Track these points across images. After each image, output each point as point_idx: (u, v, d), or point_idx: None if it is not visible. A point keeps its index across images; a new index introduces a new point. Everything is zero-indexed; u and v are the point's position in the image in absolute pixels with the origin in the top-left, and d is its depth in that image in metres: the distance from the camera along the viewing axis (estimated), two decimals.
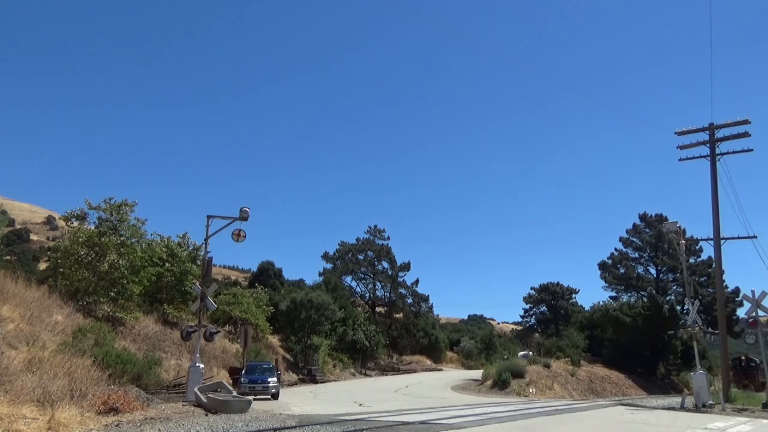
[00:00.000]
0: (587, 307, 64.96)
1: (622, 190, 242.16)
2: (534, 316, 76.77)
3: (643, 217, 58.13)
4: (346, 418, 15.23)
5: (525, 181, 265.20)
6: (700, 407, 21.77)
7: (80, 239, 26.41)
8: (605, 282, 58.59)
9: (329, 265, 61.98)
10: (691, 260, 51.54)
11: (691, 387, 25.08)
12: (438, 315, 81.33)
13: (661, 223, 43.04)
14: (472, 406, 22.33)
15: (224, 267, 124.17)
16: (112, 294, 26.43)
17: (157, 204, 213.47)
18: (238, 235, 21.20)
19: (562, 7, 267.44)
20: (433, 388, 35.55)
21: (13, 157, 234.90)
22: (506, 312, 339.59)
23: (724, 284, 37.31)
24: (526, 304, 76.17)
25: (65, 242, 28.08)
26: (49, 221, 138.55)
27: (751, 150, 27.86)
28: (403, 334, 63.83)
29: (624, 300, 54.12)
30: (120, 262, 26.48)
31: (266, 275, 58.74)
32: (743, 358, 41.92)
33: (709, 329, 30.77)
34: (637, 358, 48.20)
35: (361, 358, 52.20)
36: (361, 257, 62.94)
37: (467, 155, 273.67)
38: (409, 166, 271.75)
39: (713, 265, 37.99)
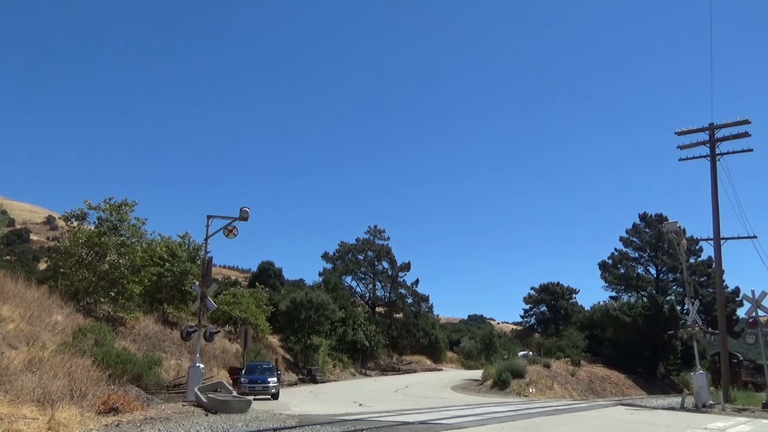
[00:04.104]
0: (587, 307, 65.00)
1: (622, 190, 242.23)
2: (534, 316, 76.74)
3: (643, 217, 58.13)
4: (346, 418, 15.23)
5: (525, 181, 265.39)
6: (700, 407, 21.76)
7: (80, 240, 26.39)
8: (605, 282, 58.61)
9: (329, 265, 62.02)
10: (691, 260, 51.54)
11: (691, 387, 25.07)
12: (438, 315, 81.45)
13: (661, 223, 43.01)
14: (472, 406, 22.33)
15: (224, 267, 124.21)
16: (112, 294, 26.43)
17: (157, 204, 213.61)
18: (230, 231, 21.25)
19: (562, 6, 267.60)
20: (433, 388, 35.55)
21: (13, 157, 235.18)
22: (506, 312, 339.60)
23: (724, 284, 37.33)
24: (526, 304, 76.19)
25: (65, 242, 28.07)
26: (49, 221, 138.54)
27: (751, 150, 27.90)
28: (403, 334, 63.84)
29: (624, 300, 54.13)
30: (120, 261, 26.47)
31: (266, 275, 58.77)
32: None
33: (709, 329, 30.72)
34: (637, 358, 48.17)
35: (361, 358, 52.21)
36: (361, 257, 62.97)
37: (467, 155, 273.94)
38: (409, 166, 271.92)
39: (713, 265, 38.00)
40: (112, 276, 26.32)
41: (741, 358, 42.77)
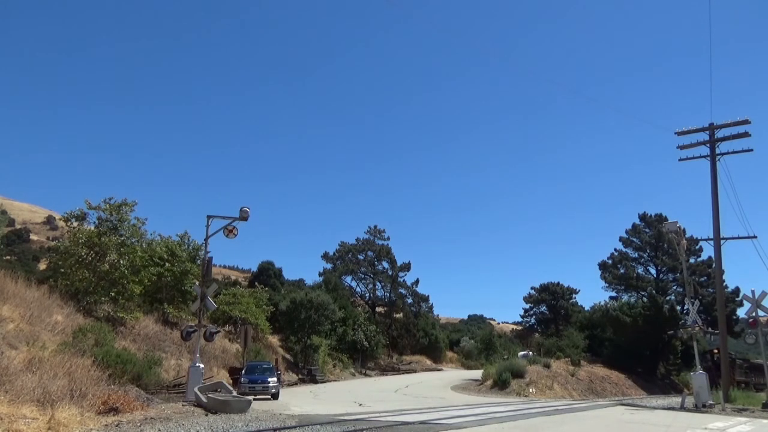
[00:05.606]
0: (587, 307, 64.97)
1: (622, 190, 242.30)
2: (534, 316, 76.74)
3: (643, 217, 58.04)
4: (346, 418, 15.23)
5: (525, 181, 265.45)
6: (700, 407, 21.74)
7: (80, 240, 26.39)
8: (605, 282, 58.48)
9: (329, 265, 62.02)
10: (691, 260, 51.41)
11: (691, 387, 25.07)
12: (438, 315, 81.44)
13: (661, 223, 42.95)
14: (472, 406, 22.33)
15: (224, 267, 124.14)
16: (112, 294, 26.42)
17: (157, 204, 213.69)
18: (230, 231, 21.25)
19: (562, 6, 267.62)
20: (433, 388, 35.55)
21: (13, 157, 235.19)
22: (506, 312, 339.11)
23: (724, 284, 37.24)
24: (526, 304, 76.20)
25: (65, 242, 28.07)
26: (49, 221, 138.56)
27: (751, 150, 27.86)
28: (403, 334, 63.84)
29: (624, 300, 54.03)
30: (120, 261, 26.47)
31: (266, 275, 58.81)
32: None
33: (709, 329, 30.76)
34: (637, 358, 48.17)
35: (361, 358, 52.21)
36: (361, 257, 62.96)
37: (467, 155, 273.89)
38: (409, 166, 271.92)
39: (713, 265, 37.93)
40: (112, 276, 26.31)
41: (734, 357, 42.50)
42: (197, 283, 23.22)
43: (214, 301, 23.64)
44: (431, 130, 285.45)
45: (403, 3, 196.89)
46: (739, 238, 29.01)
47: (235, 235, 21.30)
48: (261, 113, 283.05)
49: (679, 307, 49.05)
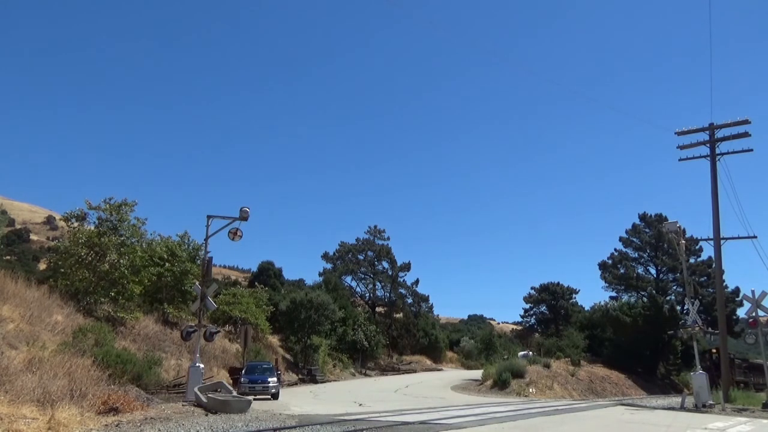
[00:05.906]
0: (587, 307, 64.97)
1: (622, 190, 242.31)
2: (534, 316, 76.76)
3: (643, 217, 58.06)
4: (346, 418, 15.23)
5: (525, 181, 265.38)
6: (700, 407, 21.74)
7: (80, 240, 26.39)
8: (605, 282, 58.51)
9: (329, 265, 62.03)
10: (691, 260, 51.43)
11: (691, 387, 25.06)
12: (438, 315, 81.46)
13: (661, 223, 42.97)
14: (472, 406, 22.33)
15: (224, 267, 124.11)
16: (112, 294, 26.43)
17: (157, 204, 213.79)
18: (234, 234, 21.21)
19: (562, 6, 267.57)
20: (433, 388, 35.55)
21: (13, 157, 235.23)
22: (506, 312, 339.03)
23: (724, 284, 37.25)
24: (526, 303, 76.22)
25: (65, 242, 28.07)
26: (49, 221, 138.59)
27: (751, 150, 27.85)
28: (403, 334, 63.84)
29: (624, 300, 54.03)
30: (120, 261, 26.47)
31: (266, 275, 58.78)
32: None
33: (709, 329, 30.76)
34: (637, 358, 48.17)
35: (361, 358, 52.21)
36: (361, 257, 62.97)
37: (467, 155, 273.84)
38: (409, 166, 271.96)
39: (713, 265, 37.91)
40: (112, 276, 26.31)
41: (734, 357, 42.41)
42: (197, 283, 23.19)
43: (214, 301, 23.63)
44: (431, 130, 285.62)
45: (403, 3, 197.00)
46: (739, 238, 29.04)
47: (240, 238, 21.25)
48: (261, 113, 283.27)
49: (679, 307, 49.06)
